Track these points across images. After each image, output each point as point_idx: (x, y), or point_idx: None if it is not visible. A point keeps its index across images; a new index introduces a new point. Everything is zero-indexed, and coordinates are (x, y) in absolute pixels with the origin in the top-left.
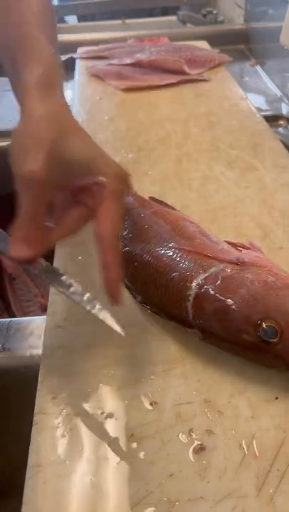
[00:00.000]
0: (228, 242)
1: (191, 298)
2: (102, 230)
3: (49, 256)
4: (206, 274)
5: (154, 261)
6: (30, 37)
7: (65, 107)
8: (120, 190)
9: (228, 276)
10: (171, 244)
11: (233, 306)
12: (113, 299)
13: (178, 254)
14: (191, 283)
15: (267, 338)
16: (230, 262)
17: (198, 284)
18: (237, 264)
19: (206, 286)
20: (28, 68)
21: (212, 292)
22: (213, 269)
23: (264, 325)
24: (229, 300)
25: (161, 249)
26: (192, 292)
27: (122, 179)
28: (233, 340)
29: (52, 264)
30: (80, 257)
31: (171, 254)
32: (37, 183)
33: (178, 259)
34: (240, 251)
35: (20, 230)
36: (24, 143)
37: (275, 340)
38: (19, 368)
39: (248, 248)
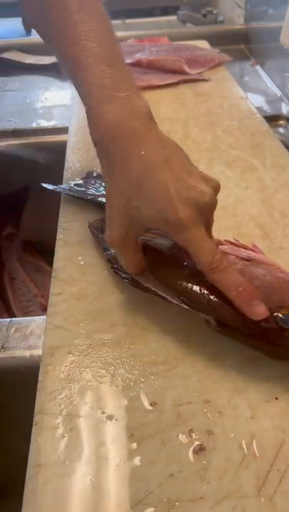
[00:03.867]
0: (231, 243)
1: (208, 283)
2: (199, 267)
3: (49, 256)
4: None
5: (177, 248)
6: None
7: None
8: (191, 238)
9: (243, 268)
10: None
11: None
12: (258, 315)
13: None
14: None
15: (285, 324)
16: (242, 258)
17: None
18: (248, 260)
19: None
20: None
21: None
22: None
23: (282, 313)
24: None
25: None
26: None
27: (189, 228)
28: (248, 329)
29: (52, 266)
30: (79, 257)
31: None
32: (118, 243)
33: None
34: (244, 251)
35: (128, 270)
36: (106, 215)
37: None
38: (19, 368)
39: (250, 249)
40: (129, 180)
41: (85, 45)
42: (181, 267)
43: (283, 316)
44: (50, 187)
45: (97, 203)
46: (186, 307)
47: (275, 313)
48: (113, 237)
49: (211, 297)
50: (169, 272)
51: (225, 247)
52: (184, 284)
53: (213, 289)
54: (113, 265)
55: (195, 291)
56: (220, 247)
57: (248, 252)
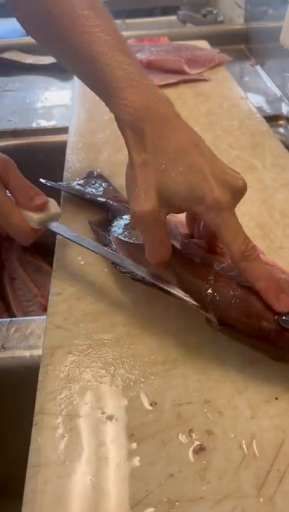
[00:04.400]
0: None
1: (212, 282)
2: (230, 255)
3: (49, 256)
4: (226, 263)
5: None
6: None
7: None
8: (227, 222)
9: None
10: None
11: (253, 295)
12: (284, 307)
13: (196, 245)
14: (213, 267)
15: (287, 325)
16: None
17: (219, 270)
18: None
19: (226, 273)
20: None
21: (230, 279)
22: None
23: (285, 313)
24: (248, 289)
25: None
26: (213, 277)
27: (226, 210)
28: (250, 328)
29: (52, 266)
30: (79, 257)
31: (190, 244)
32: (150, 219)
33: (198, 249)
34: None
35: (153, 256)
36: (134, 189)
37: None
38: (19, 368)
39: None
40: (165, 154)
41: (100, 36)
42: (187, 262)
43: (285, 317)
44: (49, 183)
45: (96, 202)
46: (188, 300)
47: (279, 314)
48: (144, 211)
49: (215, 295)
50: (175, 264)
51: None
52: (189, 278)
53: (217, 286)
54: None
55: (199, 288)
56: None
57: None
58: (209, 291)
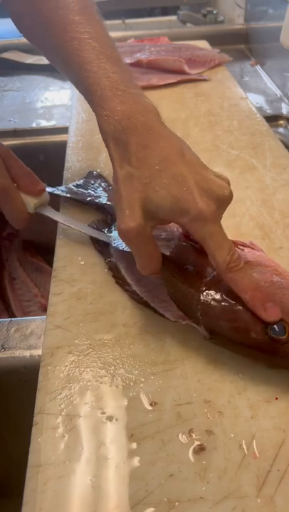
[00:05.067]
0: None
1: (202, 295)
2: (215, 266)
3: (49, 256)
4: (215, 273)
5: (174, 250)
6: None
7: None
8: (212, 234)
9: None
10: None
11: (241, 305)
12: (271, 317)
13: (192, 248)
14: (205, 277)
15: (276, 335)
16: None
17: (209, 280)
18: None
19: (214, 285)
20: (101, 118)
21: (219, 291)
22: None
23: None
24: (237, 298)
25: (180, 243)
26: (204, 287)
27: (210, 222)
28: (241, 340)
29: (52, 266)
30: (79, 257)
31: (187, 247)
32: (135, 235)
33: (193, 253)
34: (243, 249)
35: (144, 269)
36: (120, 205)
37: (283, 337)
38: (19, 368)
39: (249, 247)
40: (149, 167)
41: (89, 43)
42: (179, 272)
43: (273, 327)
44: (49, 189)
45: (95, 204)
46: (183, 322)
47: (267, 322)
48: (129, 228)
49: (205, 308)
50: (167, 276)
51: None
52: (181, 291)
53: (207, 300)
54: (115, 274)
55: (190, 301)
56: None
57: (245, 252)
58: (199, 306)
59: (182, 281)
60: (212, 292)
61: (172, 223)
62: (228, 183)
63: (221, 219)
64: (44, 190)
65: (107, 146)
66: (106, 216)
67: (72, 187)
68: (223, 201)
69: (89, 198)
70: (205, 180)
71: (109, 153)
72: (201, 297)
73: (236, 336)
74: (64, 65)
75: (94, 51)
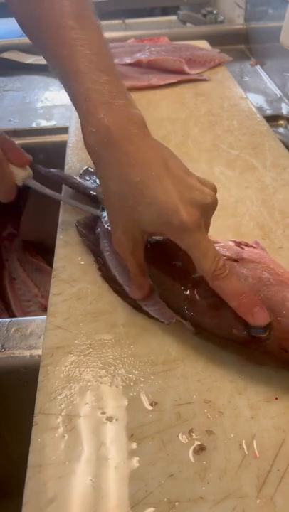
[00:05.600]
0: (233, 241)
1: (189, 291)
2: (201, 274)
3: (49, 256)
4: None
5: (164, 246)
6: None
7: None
8: (196, 243)
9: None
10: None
11: (224, 302)
12: (259, 321)
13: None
14: (193, 274)
15: (256, 333)
16: (229, 258)
17: (193, 279)
18: (236, 261)
19: (199, 282)
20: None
21: (206, 287)
22: None
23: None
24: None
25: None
26: (191, 284)
27: (194, 231)
28: (224, 335)
29: (52, 266)
30: (79, 257)
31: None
32: (124, 252)
33: (181, 250)
34: (243, 249)
35: (134, 281)
36: (110, 222)
37: (264, 335)
38: (19, 368)
39: (251, 246)
40: (131, 186)
41: (80, 51)
42: (168, 269)
43: (254, 329)
44: (43, 170)
45: (88, 195)
46: (173, 321)
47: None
48: (119, 244)
49: (190, 305)
50: (156, 274)
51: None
52: (168, 287)
53: (193, 297)
54: (104, 274)
55: (177, 297)
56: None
57: (242, 250)
58: (185, 302)
59: (170, 279)
60: (198, 289)
61: None
62: (214, 190)
63: (208, 226)
64: (32, 161)
65: (92, 160)
66: (97, 207)
67: (68, 176)
68: (206, 208)
69: (81, 187)
70: (188, 190)
71: (95, 168)
72: (188, 294)
73: (220, 332)
74: (56, 69)
75: (84, 59)
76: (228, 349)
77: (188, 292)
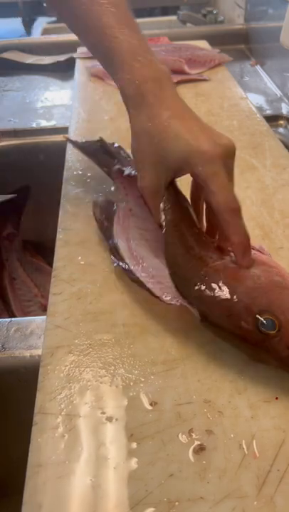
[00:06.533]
0: None
1: (201, 278)
2: (215, 206)
3: (49, 256)
4: (219, 261)
5: (179, 233)
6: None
7: (160, 104)
8: (216, 173)
9: (238, 267)
10: (195, 228)
11: (237, 294)
12: (244, 259)
13: (200, 236)
14: (205, 263)
15: (266, 329)
16: None
17: (210, 266)
18: None
19: (216, 270)
20: (120, 82)
21: (219, 277)
22: (227, 258)
23: (264, 317)
24: (234, 288)
25: (188, 227)
26: (204, 272)
27: (215, 162)
28: (231, 329)
29: (52, 266)
30: (79, 257)
31: (194, 232)
32: (148, 193)
33: (199, 239)
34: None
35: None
36: (136, 162)
37: (272, 332)
38: (19, 368)
39: (257, 250)
40: (158, 124)
41: (108, 9)
42: (183, 253)
43: (265, 320)
44: (71, 141)
45: (107, 153)
46: (178, 304)
47: (258, 316)
48: (144, 186)
49: (202, 289)
50: (170, 255)
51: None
52: (180, 271)
53: (204, 281)
54: (114, 255)
55: (189, 282)
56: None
57: (253, 253)
58: (196, 288)
59: (185, 262)
60: (211, 278)
61: None
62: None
63: (231, 170)
64: None
65: (126, 104)
66: (113, 160)
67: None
68: (228, 148)
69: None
70: (210, 131)
71: (128, 111)
72: (199, 281)
73: (227, 325)
74: (83, 30)
75: (114, 17)
76: (232, 343)
77: (201, 279)
